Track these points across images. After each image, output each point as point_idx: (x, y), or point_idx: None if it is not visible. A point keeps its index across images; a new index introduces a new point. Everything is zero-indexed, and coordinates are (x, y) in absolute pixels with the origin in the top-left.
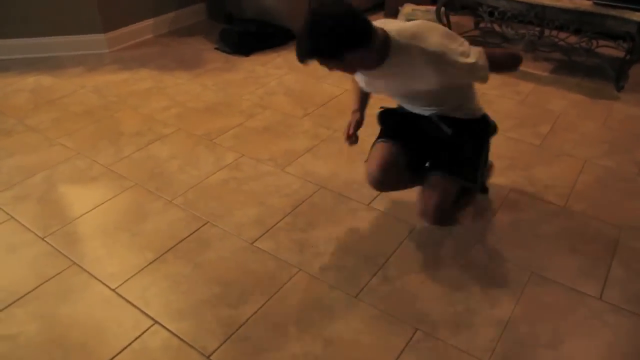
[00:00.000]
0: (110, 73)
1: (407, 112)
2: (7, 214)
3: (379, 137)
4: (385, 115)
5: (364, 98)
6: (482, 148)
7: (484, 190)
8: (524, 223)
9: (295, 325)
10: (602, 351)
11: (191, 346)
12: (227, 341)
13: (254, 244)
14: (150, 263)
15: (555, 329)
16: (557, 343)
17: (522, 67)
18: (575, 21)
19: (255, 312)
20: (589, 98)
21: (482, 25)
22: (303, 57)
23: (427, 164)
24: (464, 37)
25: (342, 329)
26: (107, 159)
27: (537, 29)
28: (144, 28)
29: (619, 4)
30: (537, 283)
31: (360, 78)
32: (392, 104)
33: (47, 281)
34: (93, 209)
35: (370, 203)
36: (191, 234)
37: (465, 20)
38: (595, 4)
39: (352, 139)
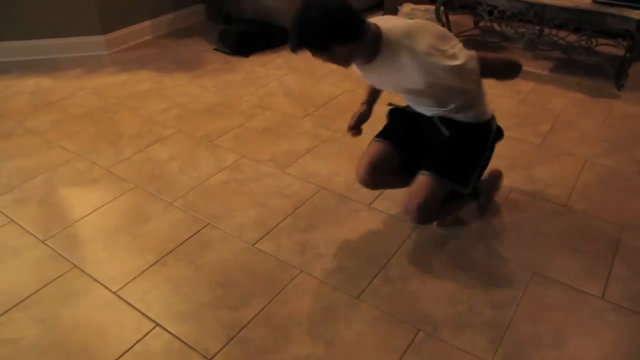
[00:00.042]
0: (110, 75)
1: (414, 111)
2: (7, 217)
3: (375, 136)
4: (394, 114)
5: (373, 93)
6: (481, 153)
7: (475, 196)
8: (525, 223)
9: (297, 327)
10: (605, 350)
11: (193, 349)
12: (229, 343)
13: (255, 246)
14: (151, 265)
15: (558, 328)
16: (559, 343)
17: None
18: (575, 19)
19: (257, 314)
20: (589, 96)
21: (481, 24)
22: (292, 47)
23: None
24: (463, 36)
25: (344, 330)
26: (107, 161)
27: (537, 27)
28: (143, 29)
29: (618, 2)
30: (539, 283)
31: (357, 70)
32: (401, 101)
33: (48, 284)
34: (93, 211)
35: (371, 203)
36: (192, 235)
37: (465, 19)
38: (595, 2)
39: (354, 130)
